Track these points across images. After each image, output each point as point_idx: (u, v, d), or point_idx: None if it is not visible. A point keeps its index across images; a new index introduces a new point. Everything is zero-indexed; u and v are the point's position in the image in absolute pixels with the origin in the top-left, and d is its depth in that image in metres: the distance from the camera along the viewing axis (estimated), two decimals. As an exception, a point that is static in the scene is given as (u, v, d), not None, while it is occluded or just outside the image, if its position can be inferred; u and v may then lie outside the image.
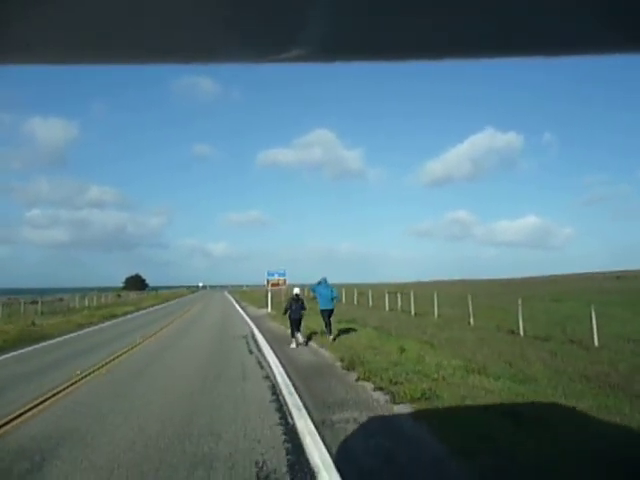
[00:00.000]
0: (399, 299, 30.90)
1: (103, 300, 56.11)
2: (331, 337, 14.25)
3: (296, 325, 14.01)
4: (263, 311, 31.97)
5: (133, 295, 78.19)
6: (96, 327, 22.83)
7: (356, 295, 40.95)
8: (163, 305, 49.09)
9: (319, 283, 14.81)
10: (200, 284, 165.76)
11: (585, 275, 77.18)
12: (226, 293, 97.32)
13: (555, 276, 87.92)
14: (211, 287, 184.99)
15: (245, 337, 16.81)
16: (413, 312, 26.66)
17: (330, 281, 15.09)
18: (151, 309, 40.72)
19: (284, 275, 45.47)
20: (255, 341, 15.62)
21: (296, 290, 14.45)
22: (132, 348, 14.41)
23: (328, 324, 14.45)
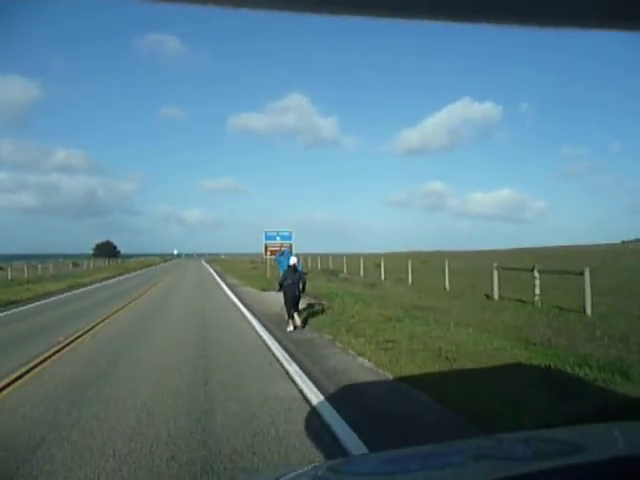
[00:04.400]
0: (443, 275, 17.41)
1: (40, 271, 42.44)
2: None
3: (293, 303, 10.86)
4: (273, 298, 17.98)
5: (98, 263, 68.99)
6: None
7: (383, 269, 27.52)
8: (116, 280, 34.92)
9: (282, 253, 14.45)
10: (175, 252, 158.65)
11: (568, 247, 69.86)
12: (203, 262, 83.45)
13: (541, 248, 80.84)
14: (186, 255, 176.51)
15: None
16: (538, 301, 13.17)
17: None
18: (91, 287, 26.55)
19: (290, 238, 31.59)
20: None
21: (292, 259, 11.45)
22: None
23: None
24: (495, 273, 16.96)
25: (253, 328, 11.17)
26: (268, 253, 30.85)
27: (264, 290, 21.15)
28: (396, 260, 39.72)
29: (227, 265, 60.63)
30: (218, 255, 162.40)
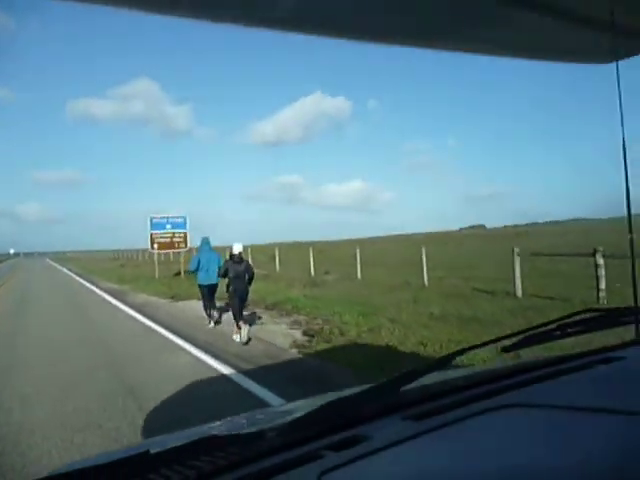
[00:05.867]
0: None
1: None
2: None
3: (241, 304, 8.41)
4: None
5: None
6: None
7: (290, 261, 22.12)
8: None
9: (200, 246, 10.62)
10: (11, 251, 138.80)
11: (421, 234, 76.53)
12: (50, 261, 70.18)
13: (397, 236, 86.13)
14: (26, 254, 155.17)
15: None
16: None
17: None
18: None
19: (184, 226, 24.53)
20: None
21: (237, 247, 8.52)
22: None
23: (211, 307, 9.99)
24: (517, 261, 12.37)
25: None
26: (155, 246, 23.51)
27: (174, 298, 14.30)
28: (285, 252, 34.92)
29: (84, 264, 49.97)
30: (64, 253, 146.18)
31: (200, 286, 9.89)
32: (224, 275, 8.50)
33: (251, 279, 8.59)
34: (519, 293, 12.04)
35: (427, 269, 15.40)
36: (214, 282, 9.77)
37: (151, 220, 23.32)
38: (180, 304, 13.12)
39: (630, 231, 1.41)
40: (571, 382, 1.16)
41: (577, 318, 1.32)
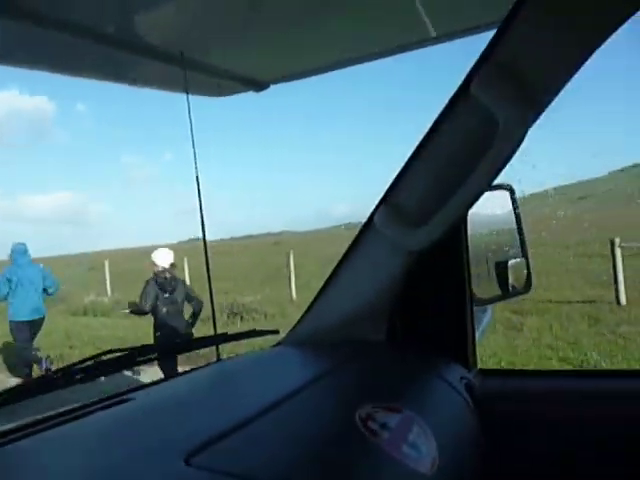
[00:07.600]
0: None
1: None
2: None
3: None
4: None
5: None
6: None
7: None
8: None
9: (11, 258, 6.69)
10: None
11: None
12: None
13: (108, 251, 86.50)
14: None
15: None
16: None
17: None
18: None
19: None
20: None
21: (164, 256, 5.55)
22: None
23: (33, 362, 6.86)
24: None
25: None
26: None
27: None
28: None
29: None
30: None
31: (14, 325, 6.53)
32: (144, 313, 5.56)
33: (196, 315, 5.63)
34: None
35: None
36: (39, 316, 6.70)
37: None
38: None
39: (205, 252, 1.41)
40: (58, 436, 0.87)
41: (99, 360, 1.06)
